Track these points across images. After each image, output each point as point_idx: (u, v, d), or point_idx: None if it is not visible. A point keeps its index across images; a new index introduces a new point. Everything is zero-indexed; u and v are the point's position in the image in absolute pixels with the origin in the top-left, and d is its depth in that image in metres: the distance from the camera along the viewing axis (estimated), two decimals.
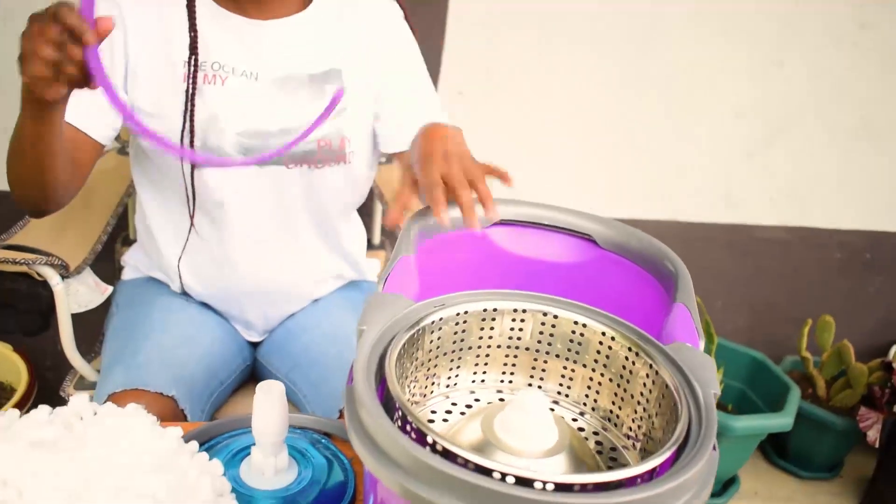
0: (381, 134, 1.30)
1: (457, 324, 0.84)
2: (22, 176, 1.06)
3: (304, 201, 1.29)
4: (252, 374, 1.47)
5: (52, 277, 1.29)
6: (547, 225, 1.02)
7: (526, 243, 1.04)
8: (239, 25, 1.19)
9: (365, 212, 1.52)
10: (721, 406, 2.28)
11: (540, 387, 0.91)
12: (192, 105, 1.16)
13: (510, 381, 0.91)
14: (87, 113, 1.14)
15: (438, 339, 0.83)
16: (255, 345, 1.46)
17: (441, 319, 0.82)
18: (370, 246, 1.90)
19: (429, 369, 0.85)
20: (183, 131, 1.17)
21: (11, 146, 1.03)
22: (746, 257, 2.38)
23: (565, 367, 0.89)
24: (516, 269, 1.03)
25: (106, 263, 1.68)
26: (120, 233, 1.77)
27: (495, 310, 0.86)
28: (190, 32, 1.15)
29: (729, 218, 2.31)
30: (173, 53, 1.18)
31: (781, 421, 2.04)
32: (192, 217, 1.24)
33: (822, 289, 2.45)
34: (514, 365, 0.91)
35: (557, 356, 0.89)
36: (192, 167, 1.19)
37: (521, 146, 2.11)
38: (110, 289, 1.47)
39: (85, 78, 0.82)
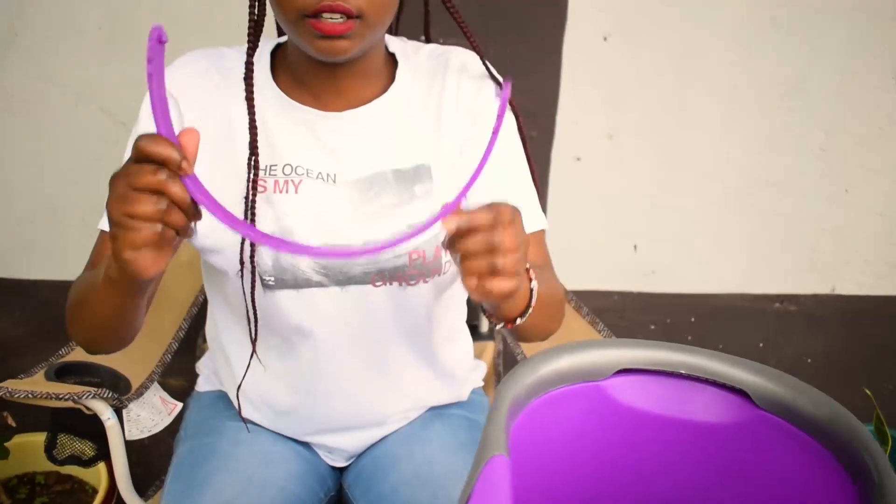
0: None
1: None
2: (96, 337, 0.98)
3: (395, 322, 1.10)
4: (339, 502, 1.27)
5: (104, 412, 1.13)
6: (683, 374, 0.81)
7: (656, 396, 0.83)
8: (313, 119, 1.01)
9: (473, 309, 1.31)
10: None
11: None
12: (254, 214, 0.97)
13: None
14: None
15: None
16: (342, 469, 1.26)
17: None
18: (477, 336, 1.68)
19: None
20: (242, 246, 0.98)
21: (78, 308, 0.94)
22: None
23: None
24: (644, 431, 0.83)
25: (187, 356, 1.54)
26: (201, 326, 1.61)
27: None
28: (250, 129, 0.96)
29: None
30: (237, 157, 1.00)
31: None
32: (253, 342, 1.06)
33: None
34: None
35: None
36: (253, 287, 1.00)
37: (645, 216, 1.86)
38: (179, 406, 1.31)
39: (187, 215, 0.71)
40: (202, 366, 1.33)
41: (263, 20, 0.94)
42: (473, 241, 0.76)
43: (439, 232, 1.00)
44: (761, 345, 1.98)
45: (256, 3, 0.92)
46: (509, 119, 1.09)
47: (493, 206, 0.77)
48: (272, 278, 1.01)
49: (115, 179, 0.69)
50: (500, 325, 0.91)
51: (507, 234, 0.75)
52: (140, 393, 1.23)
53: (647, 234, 1.85)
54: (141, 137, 0.67)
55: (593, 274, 1.83)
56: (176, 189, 0.67)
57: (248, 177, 0.96)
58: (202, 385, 1.32)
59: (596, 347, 0.85)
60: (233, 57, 1.02)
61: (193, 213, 0.71)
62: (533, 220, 1.07)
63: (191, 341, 1.56)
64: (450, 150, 1.03)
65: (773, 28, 1.70)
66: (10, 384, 1.12)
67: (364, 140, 1.01)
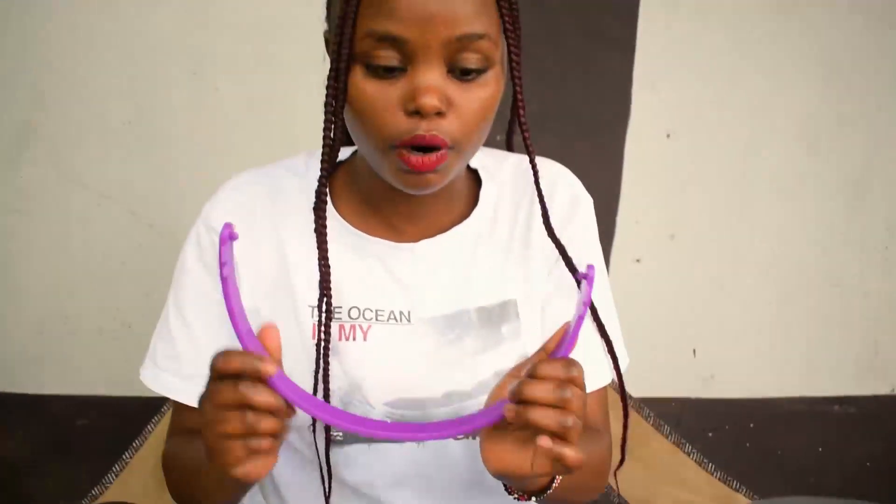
0: None
1: None
2: None
3: (475, 475, 0.96)
4: None
5: None
6: None
7: None
8: (385, 252, 0.88)
9: None
10: None
11: None
12: (326, 366, 0.84)
13: None
14: None
15: None
16: None
17: None
18: None
19: None
20: (314, 425, 0.87)
21: (184, 489, 0.88)
22: None
23: None
24: None
25: None
26: None
27: None
28: (320, 265, 0.82)
29: None
30: (297, 298, 0.87)
31: None
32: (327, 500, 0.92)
33: None
34: None
35: None
36: (328, 445, 0.87)
37: (705, 318, 1.78)
38: None
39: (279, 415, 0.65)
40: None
41: (340, 146, 0.80)
42: (544, 388, 0.64)
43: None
44: (821, 449, 1.88)
45: (333, 126, 0.77)
46: (597, 247, 0.97)
47: (567, 360, 0.67)
48: (340, 434, 0.89)
49: (202, 402, 0.65)
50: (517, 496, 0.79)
51: (577, 393, 0.65)
52: None
53: (707, 337, 1.76)
54: (216, 356, 0.64)
55: (651, 381, 1.72)
56: (260, 398, 0.62)
57: (319, 321, 0.83)
58: None
59: None
60: (282, 177, 0.90)
61: (286, 410, 0.66)
62: (602, 373, 0.93)
63: None
64: (537, 284, 0.91)
65: (837, 124, 1.65)
66: None
67: (443, 273, 0.89)
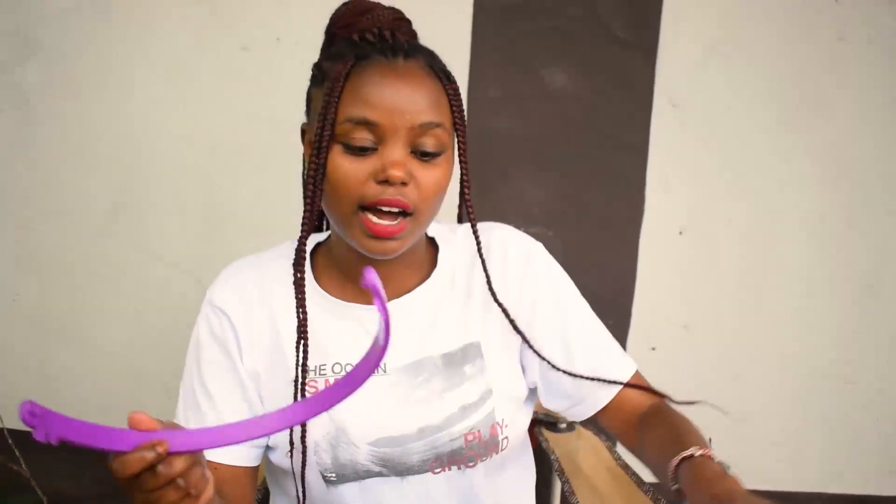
0: (571, 405, 1.07)
1: None
2: None
3: None
4: None
5: None
6: None
7: None
8: (360, 315, 1.02)
9: (542, 482, 1.28)
10: None
11: None
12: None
13: None
14: None
15: None
16: None
17: None
18: None
19: None
20: (292, 448, 0.98)
21: None
22: None
23: None
24: None
25: None
26: None
27: None
28: (298, 313, 0.95)
29: None
30: (289, 359, 1.02)
31: None
32: None
33: None
34: None
35: None
36: (303, 467, 0.98)
37: (719, 411, 1.80)
38: None
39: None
40: None
41: (318, 209, 0.94)
42: None
43: (493, 410, 1.01)
44: None
45: (313, 194, 0.90)
46: (563, 278, 1.08)
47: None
48: (333, 474, 1.00)
49: (130, 498, 0.70)
50: None
51: None
52: None
53: (722, 426, 1.81)
54: (114, 465, 0.66)
55: None
56: (177, 468, 0.67)
57: (297, 374, 0.95)
58: None
59: None
60: (271, 260, 1.04)
61: (201, 455, 0.71)
62: (626, 364, 1.06)
63: None
64: (499, 327, 1.03)
65: (847, 224, 1.72)
66: None
67: (411, 327, 1.02)
